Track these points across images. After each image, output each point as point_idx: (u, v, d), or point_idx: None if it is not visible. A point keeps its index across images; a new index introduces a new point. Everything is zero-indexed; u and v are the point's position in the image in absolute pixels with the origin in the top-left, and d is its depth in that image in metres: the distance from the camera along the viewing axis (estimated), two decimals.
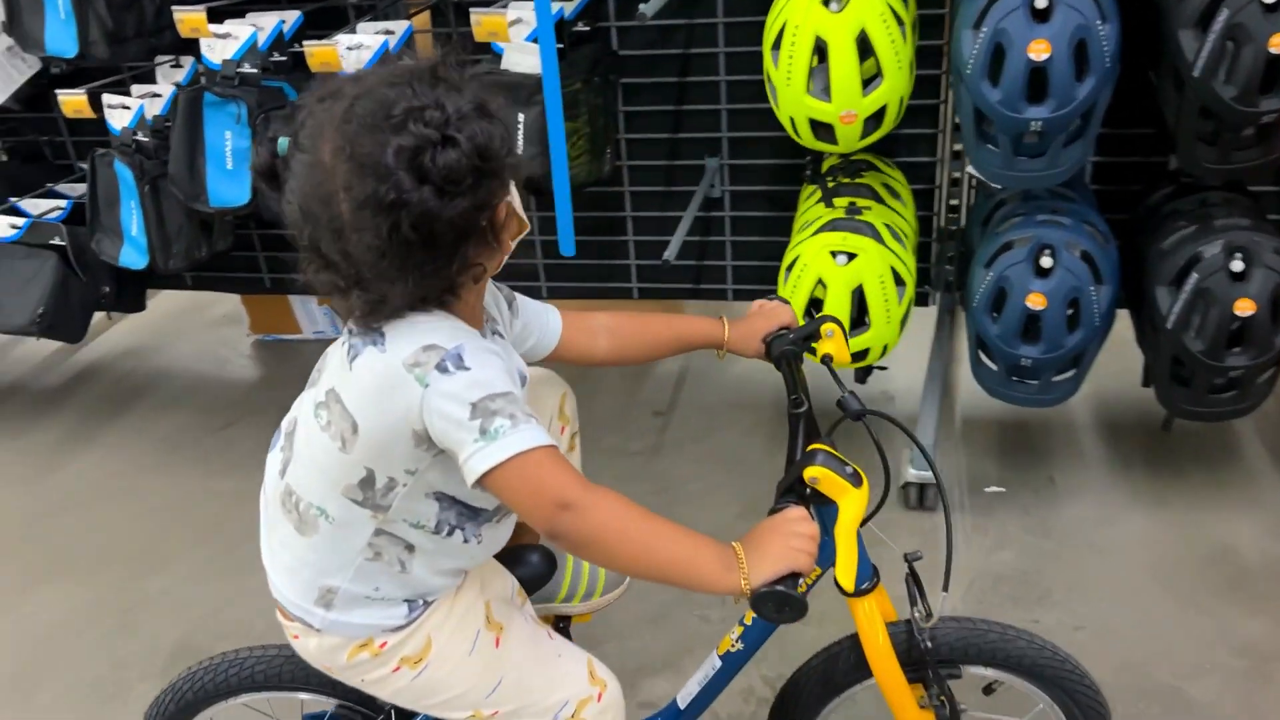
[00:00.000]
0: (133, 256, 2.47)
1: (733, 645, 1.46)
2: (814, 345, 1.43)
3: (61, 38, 2.31)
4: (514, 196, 1.16)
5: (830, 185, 2.34)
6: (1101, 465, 2.46)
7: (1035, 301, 2.06)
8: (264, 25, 2.30)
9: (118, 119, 2.39)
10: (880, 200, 2.30)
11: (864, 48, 1.98)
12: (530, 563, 1.42)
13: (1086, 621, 2.04)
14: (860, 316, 2.17)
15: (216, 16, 2.33)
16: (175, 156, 2.32)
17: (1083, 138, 1.96)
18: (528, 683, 1.30)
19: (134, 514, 2.57)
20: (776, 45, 2.03)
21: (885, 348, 2.22)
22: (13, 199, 2.68)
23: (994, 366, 2.20)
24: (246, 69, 2.27)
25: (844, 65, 1.98)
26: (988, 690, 1.48)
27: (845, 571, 1.14)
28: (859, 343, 2.18)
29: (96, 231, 2.51)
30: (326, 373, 1.20)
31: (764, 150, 2.62)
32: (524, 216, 1.19)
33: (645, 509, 1.11)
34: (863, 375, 2.45)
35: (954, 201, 2.62)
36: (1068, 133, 1.94)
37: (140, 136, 2.38)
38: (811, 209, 2.32)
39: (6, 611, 2.29)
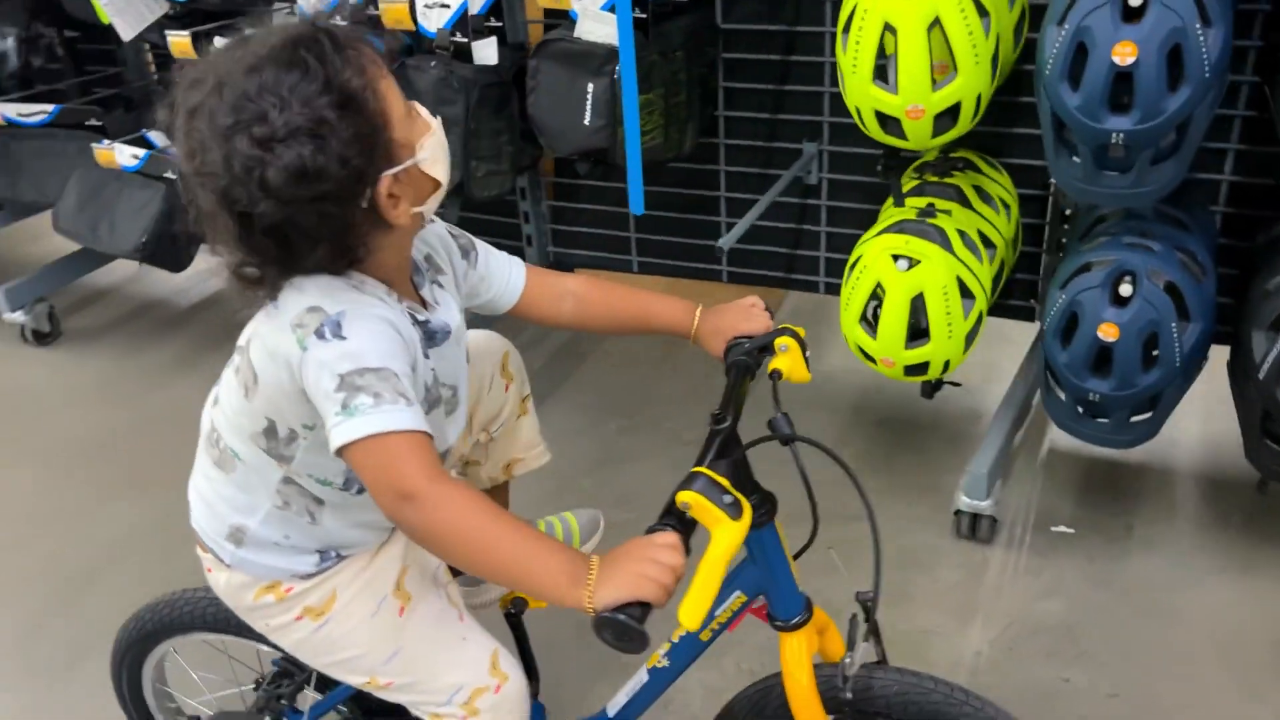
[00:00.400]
0: None
1: (660, 661, 1.40)
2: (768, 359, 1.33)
3: None
4: (424, 156, 1.11)
5: (914, 183, 2.19)
6: (1190, 520, 2.21)
7: (1107, 332, 1.85)
8: None
9: None
10: (966, 204, 2.13)
11: (938, 38, 1.82)
12: None
13: (1124, 689, 1.85)
14: (920, 327, 2.02)
15: None
16: None
17: (1177, 155, 1.74)
18: (425, 659, 1.28)
19: None
20: (847, 28, 1.89)
21: (947, 363, 2.06)
22: (144, 130, 2.84)
23: (1062, 397, 2.01)
24: (338, 20, 2.30)
25: (913, 56, 1.82)
26: None
27: (690, 608, 1.03)
28: (916, 355, 2.03)
29: None
30: (253, 320, 1.20)
31: (867, 138, 2.47)
32: (439, 175, 1.14)
33: (500, 510, 1.06)
34: (929, 391, 2.29)
35: (1070, 210, 2.39)
36: (1158, 148, 1.72)
37: None
38: (886, 207, 2.17)
39: (80, 518, 2.46)
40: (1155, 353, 1.86)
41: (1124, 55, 1.64)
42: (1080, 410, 1.99)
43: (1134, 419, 1.96)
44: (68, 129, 2.89)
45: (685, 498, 1.07)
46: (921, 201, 2.10)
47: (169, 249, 2.71)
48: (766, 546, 1.26)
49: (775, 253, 2.72)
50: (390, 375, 1.06)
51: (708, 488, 1.07)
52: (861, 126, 1.99)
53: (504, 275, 1.37)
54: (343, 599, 1.27)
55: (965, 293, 2.00)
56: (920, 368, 2.06)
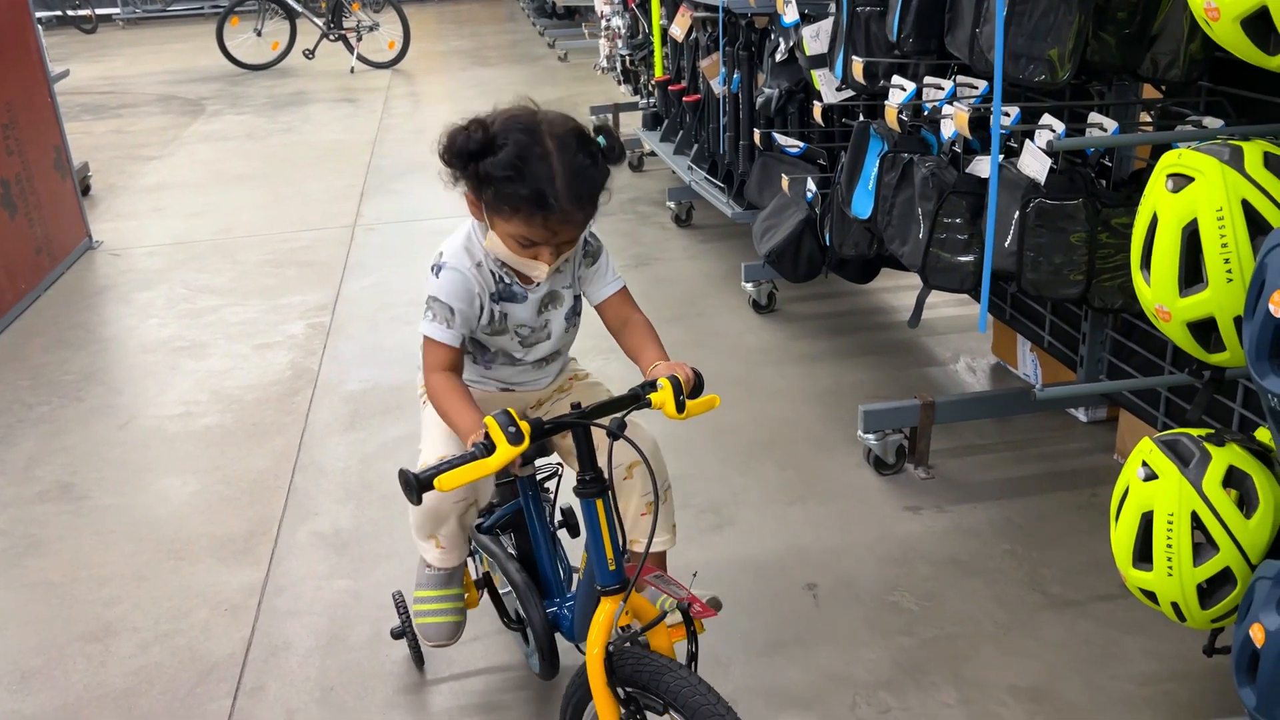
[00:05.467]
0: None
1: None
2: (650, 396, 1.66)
3: None
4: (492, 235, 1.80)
5: None
6: None
7: (1255, 635, 1.50)
8: (942, 86, 2.72)
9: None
10: None
11: (1193, 242, 1.64)
12: None
13: None
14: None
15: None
16: (845, 166, 2.96)
17: None
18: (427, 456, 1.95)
19: None
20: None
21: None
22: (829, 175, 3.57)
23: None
24: (904, 117, 2.75)
25: (1162, 253, 1.67)
26: None
27: (445, 479, 1.49)
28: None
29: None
30: None
31: None
32: (513, 248, 1.79)
33: (452, 391, 1.78)
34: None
35: None
36: None
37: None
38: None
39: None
40: None
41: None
42: None
43: None
44: (807, 162, 3.78)
45: (486, 420, 1.54)
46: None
47: (790, 263, 3.46)
48: (586, 517, 1.64)
49: None
50: (443, 304, 1.81)
51: (503, 418, 1.52)
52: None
53: (600, 284, 1.95)
54: (430, 408, 1.97)
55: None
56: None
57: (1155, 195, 1.71)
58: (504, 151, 1.71)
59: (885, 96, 2.89)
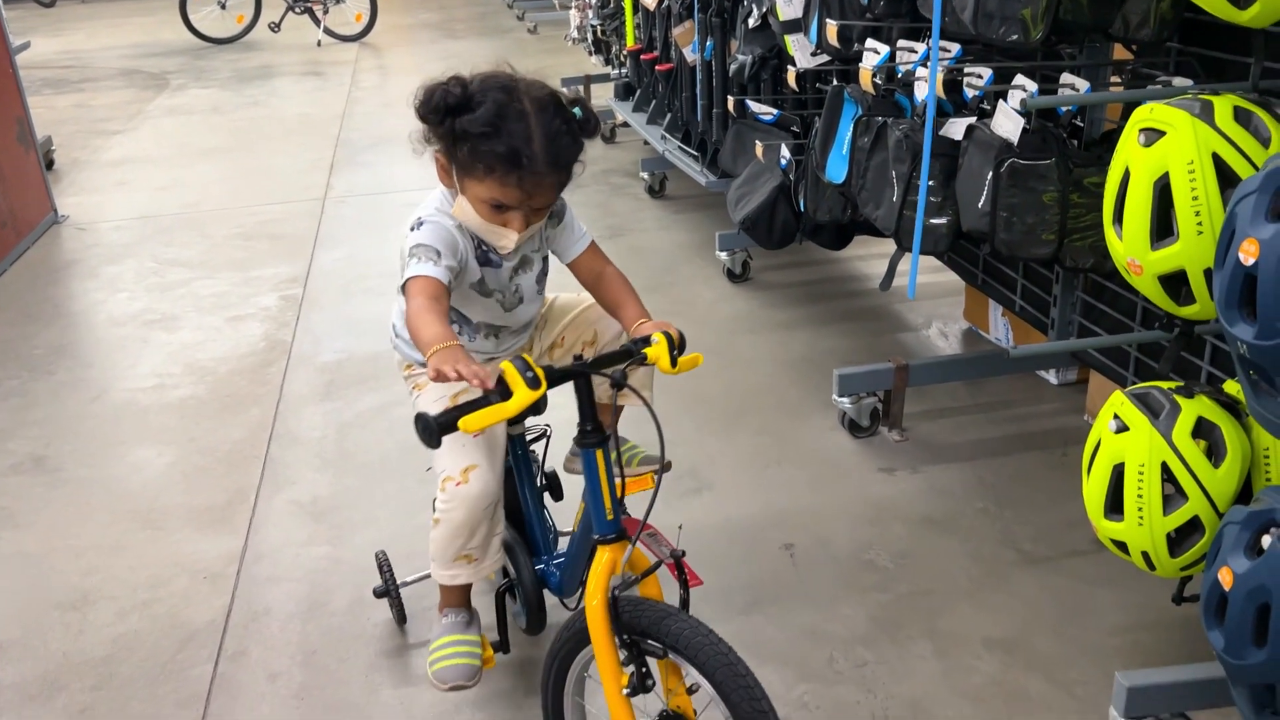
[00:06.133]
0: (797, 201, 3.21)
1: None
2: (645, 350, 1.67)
3: None
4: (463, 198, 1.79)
5: None
6: None
7: (1223, 578, 1.54)
8: (916, 49, 2.74)
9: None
10: None
11: (1164, 196, 1.66)
12: None
13: None
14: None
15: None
16: (820, 131, 2.98)
17: None
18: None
19: None
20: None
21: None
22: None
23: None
24: (878, 80, 2.77)
25: (1134, 207, 1.70)
26: (691, 690, 1.66)
27: (469, 421, 1.47)
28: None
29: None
30: None
31: None
32: (484, 213, 1.79)
33: (427, 310, 1.68)
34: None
35: None
36: None
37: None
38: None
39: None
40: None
41: (1248, 254, 1.40)
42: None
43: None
44: (781, 129, 3.78)
45: (503, 365, 1.51)
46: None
47: (764, 230, 3.46)
48: (587, 466, 1.65)
49: None
50: (428, 248, 1.76)
51: (520, 364, 1.51)
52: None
53: (570, 241, 1.95)
54: (427, 387, 1.99)
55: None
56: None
57: (1127, 150, 1.74)
58: (482, 109, 1.72)
59: (859, 61, 2.91)
